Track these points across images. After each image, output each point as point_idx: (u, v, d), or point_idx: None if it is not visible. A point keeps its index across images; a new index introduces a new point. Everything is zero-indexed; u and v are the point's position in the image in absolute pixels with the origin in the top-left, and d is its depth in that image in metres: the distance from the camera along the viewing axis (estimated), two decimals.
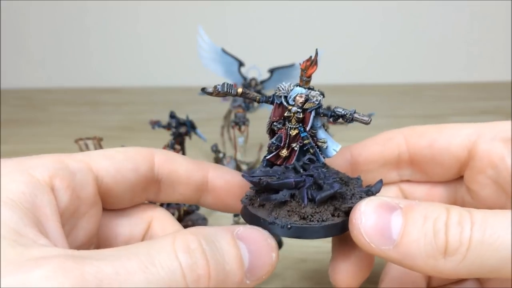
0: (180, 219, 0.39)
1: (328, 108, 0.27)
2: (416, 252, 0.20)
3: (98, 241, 0.24)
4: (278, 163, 0.25)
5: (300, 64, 0.24)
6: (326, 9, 0.86)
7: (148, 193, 0.25)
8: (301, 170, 0.24)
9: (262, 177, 0.23)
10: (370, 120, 0.24)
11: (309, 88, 0.24)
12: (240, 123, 0.45)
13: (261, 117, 0.42)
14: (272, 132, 0.25)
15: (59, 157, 0.22)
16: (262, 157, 0.26)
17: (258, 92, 0.46)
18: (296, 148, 0.24)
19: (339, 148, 0.25)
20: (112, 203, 0.24)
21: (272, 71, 0.46)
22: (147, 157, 0.25)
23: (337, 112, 0.24)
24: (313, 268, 0.37)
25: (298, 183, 0.23)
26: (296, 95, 0.24)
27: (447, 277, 0.20)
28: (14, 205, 0.18)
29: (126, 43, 0.91)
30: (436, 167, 0.27)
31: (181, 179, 0.26)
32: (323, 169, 0.24)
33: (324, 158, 0.25)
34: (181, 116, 0.48)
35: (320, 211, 0.23)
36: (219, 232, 0.20)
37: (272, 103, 0.24)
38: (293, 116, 0.24)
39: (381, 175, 0.28)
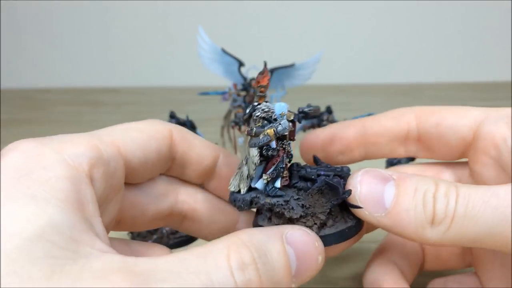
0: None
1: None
2: (406, 220, 0.21)
3: (123, 217, 0.24)
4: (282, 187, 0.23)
5: (253, 82, 0.23)
6: (326, 9, 0.86)
7: (163, 169, 0.26)
8: (312, 177, 0.23)
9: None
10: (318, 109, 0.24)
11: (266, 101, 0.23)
12: (240, 123, 0.45)
13: None
14: (265, 158, 0.23)
15: (93, 142, 0.21)
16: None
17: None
18: (288, 166, 0.23)
19: None
20: (131, 180, 0.24)
21: (272, 71, 0.46)
22: (167, 136, 0.24)
23: (305, 111, 0.24)
24: None
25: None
26: (287, 110, 0.23)
27: (432, 245, 0.21)
28: (65, 208, 0.17)
29: (126, 43, 0.91)
30: (442, 146, 0.27)
31: (193, 161, 0.26)
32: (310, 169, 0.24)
33: None
34: (181, 116, 0.48)
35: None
36: (270, 240, 0.20)
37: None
38: (289, 133, 0.23)
39: (389, 149, 0.29)
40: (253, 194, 0.23)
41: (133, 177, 0.24)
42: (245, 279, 0.18)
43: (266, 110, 0.22)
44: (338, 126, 0.29)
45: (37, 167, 0.18)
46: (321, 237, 0.22)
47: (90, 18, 0.90)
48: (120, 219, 0.24)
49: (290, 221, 0.22)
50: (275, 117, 0.22)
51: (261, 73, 0.23)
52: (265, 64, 0.23)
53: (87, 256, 0.16)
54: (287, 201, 0.22)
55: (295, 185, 0.23)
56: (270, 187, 0.22)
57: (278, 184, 0.23)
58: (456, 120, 0.26)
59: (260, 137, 0.22)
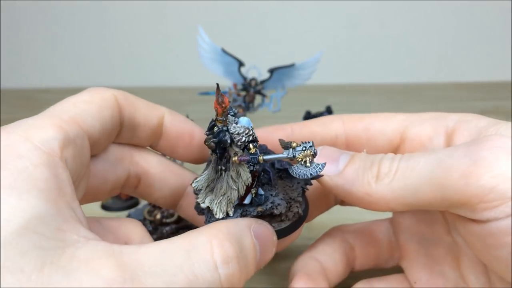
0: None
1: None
2: (355, 177, 0.24)
3: (87, 189, 0.24)
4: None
5: (216, 110, 0.22)
6: (326, 9, 0.86)
7: (114, 136, 0.26)
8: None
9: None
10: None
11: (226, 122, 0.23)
12: None
13: (261, 117, 0.43)
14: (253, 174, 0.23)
15: (58, 124, 0.20)
16: None
17: (258, 92, 0.46)
18: None
19: None
20: (92, 152, 0.24)
21: (272, 71, 0.46)
22: (115, 102, 0.25)
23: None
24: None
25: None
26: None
27: (378, 200, 0.23)
28: (47, 197, 0.17)
29: (126, 43, 0.91)
30: (370, 149, 0.29)
31: (140, 123, 0.26)
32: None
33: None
34: None
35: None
36: (243, 233, 0.21)
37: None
38: None
39: None
40: (239, 211, 0.23)
41: (94, 149, 0.24)
42: (229, 273, 0.19)
43: (248, 132, 0.22)
44: (269, 129, 0.30)
45: (11, 156, 0.17)
46: (303, 213, 0.24)
47: (90, 18, 0.90)
48: (85, 192, 0.24)
49: (279, 216, 0.24)
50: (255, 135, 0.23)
51: (219, 97, 0.21)
52: (218, 86, 0.22)
53: (74, 244, 0.16)
54: (272, 202, 0.23)
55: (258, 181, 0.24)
56: (259, 197, 0.24)
57: (261, 191, 0.24)
58: (383, 124, 0.28)
59: (312, 167, 0.23)
